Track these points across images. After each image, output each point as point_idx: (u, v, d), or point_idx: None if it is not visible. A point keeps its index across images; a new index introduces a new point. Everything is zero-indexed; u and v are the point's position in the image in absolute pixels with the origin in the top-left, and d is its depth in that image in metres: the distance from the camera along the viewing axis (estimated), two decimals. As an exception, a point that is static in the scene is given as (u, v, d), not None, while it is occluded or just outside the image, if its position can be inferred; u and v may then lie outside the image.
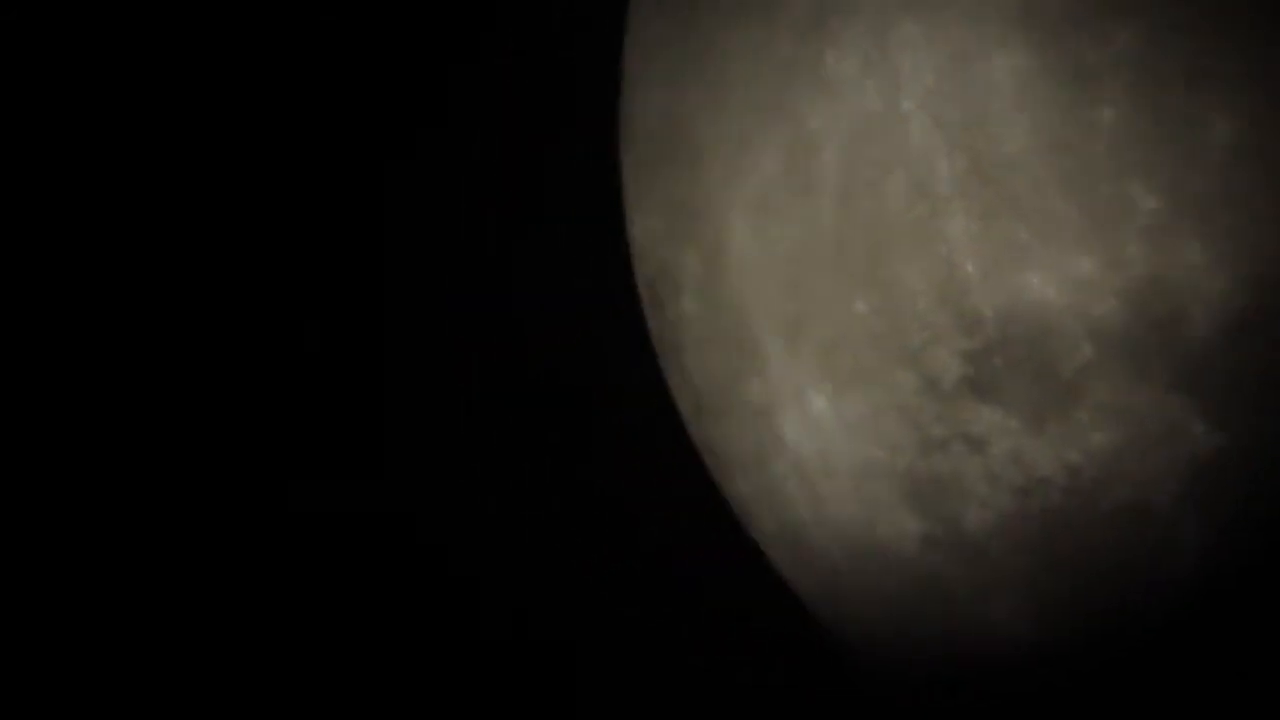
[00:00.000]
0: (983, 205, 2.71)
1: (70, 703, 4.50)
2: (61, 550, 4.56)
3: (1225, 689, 2.86)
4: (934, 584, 3.02)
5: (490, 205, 4.30)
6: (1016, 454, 2.79)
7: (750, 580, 3.48)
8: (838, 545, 3.15)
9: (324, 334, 4.44)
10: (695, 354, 3.34)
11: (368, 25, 4.24)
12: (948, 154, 2.75)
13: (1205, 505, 2.66)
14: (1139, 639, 2.84)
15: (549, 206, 4.22)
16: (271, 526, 4.57)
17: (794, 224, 2.97)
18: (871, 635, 3.28)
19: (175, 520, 4.57)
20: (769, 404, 3.14)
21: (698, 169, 3.18)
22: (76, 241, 4.40)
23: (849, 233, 2.89)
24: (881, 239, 2.84)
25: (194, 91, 4.32)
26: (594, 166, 3.67)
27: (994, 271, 2.73)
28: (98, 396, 4.49)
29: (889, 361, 2.89)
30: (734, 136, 3.07)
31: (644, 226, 3.45)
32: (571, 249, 4.08)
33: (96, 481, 4.54)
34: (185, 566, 4.60)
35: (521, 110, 4.28)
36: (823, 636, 3.44)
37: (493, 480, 4.37)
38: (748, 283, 3.11)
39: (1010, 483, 2.81)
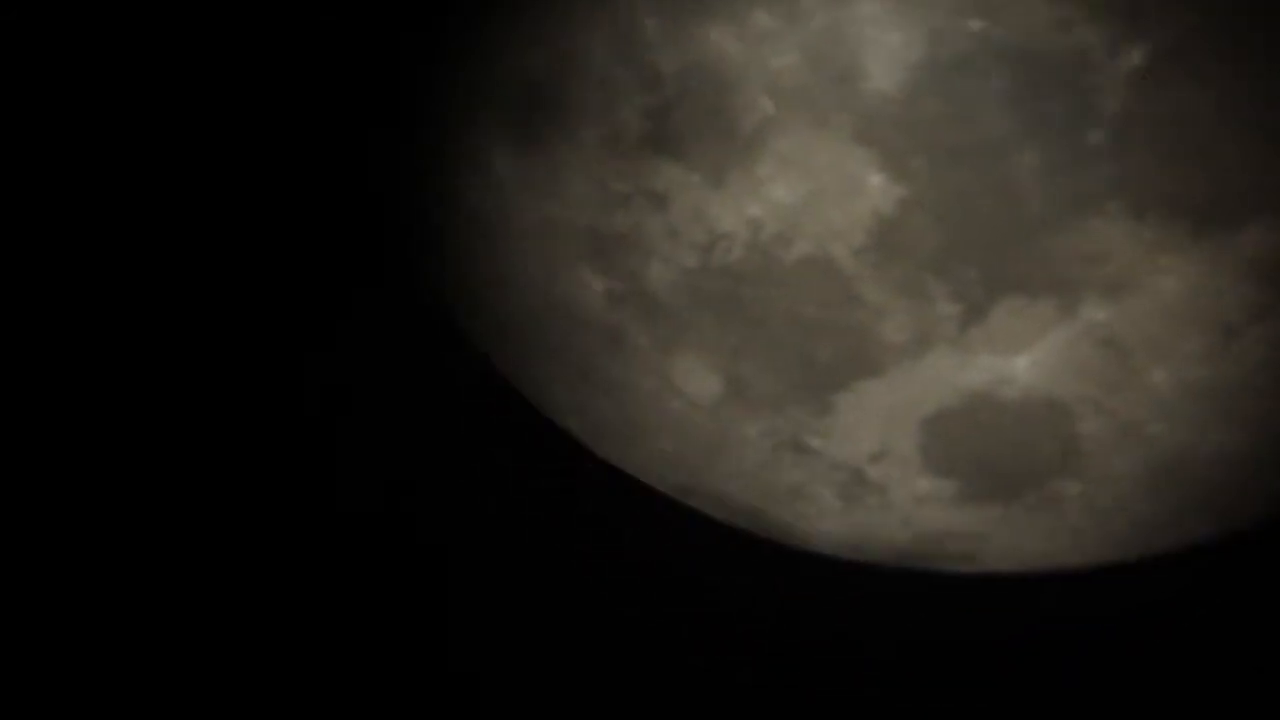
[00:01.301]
0: (659, -37, 2.70)
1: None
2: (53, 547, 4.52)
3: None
4: (616, 341, 3.13)
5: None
6: (698, 210, 2.87)
7: (431, 339, 3.53)
8: (519, 302, 3.22)
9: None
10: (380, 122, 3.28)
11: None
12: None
13: (885, 257, 2.80)
14: (824, 389, 3.02)
15: None
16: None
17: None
18: (552, 391, 3.40)
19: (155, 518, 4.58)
20: (445, 162, 3.12)
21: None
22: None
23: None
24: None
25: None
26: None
27: (673, 27, 2.73)
28: (77, 397, 4.37)
29: (569, 118, 2.89)
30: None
31: None
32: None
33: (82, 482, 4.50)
34: (170, 565, 4.65)
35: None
36: (504, 391, 3.53)
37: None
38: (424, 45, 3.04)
39: (692, 239, 2.90)
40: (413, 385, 4.15)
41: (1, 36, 3.90)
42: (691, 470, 3.48)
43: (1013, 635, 4.47)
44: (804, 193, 2.84)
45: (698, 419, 3.27)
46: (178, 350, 4.37)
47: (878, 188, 2.80)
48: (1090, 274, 2.79)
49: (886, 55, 2.68)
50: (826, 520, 3.45)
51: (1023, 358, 2.95)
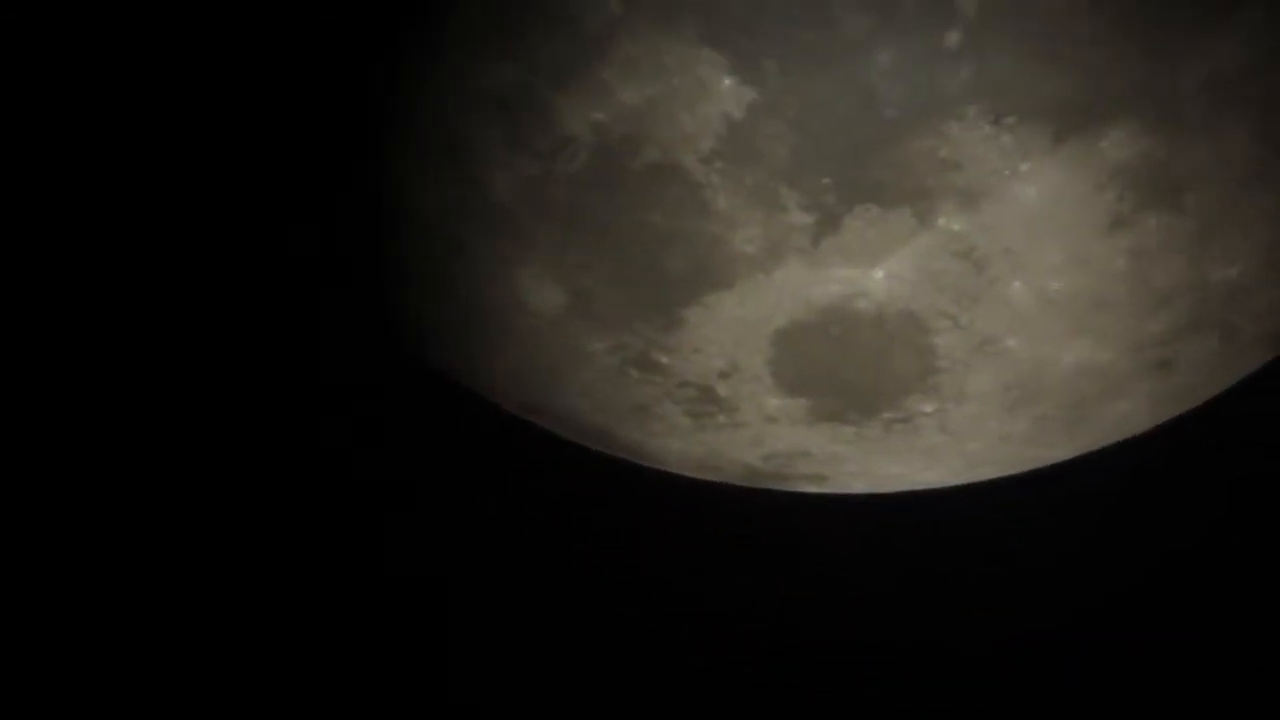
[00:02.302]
0: None
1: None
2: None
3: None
4: (458, 251, 3.03)
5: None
6: (542, 113, 2.76)
7: (279, 253, 3.42)
8: (364, 211, 3.10)
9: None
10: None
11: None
12: None
13: (736, 165, 2.74)
14: (672, 303, 2.96)
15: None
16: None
17: None
18: (396, 301, 3.30)
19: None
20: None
21: None
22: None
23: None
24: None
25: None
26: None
27: (510, -83, 2.63)
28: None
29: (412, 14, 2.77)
30: None
31: None
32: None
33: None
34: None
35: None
36: (345, 306, 3.42)
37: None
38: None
39: (535, 145, 2.79)
40: (247, 297, 4.04)
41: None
42: (537, 387, 3.41)
43: (863, 557, 4.51)
44: (651, 96, 2.76)
45: (543, 334, 3.19)
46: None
47: (728, 91, 2.72)
48: (947, 181, 2.74)
49: (737, -48, 2.62)
50: (675, 439, 3.40)
51: (878, 269, 2.91)
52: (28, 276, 4.12)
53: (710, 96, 2.74)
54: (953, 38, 2.59)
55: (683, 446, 3.43)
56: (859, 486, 3.57)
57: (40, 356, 4.26)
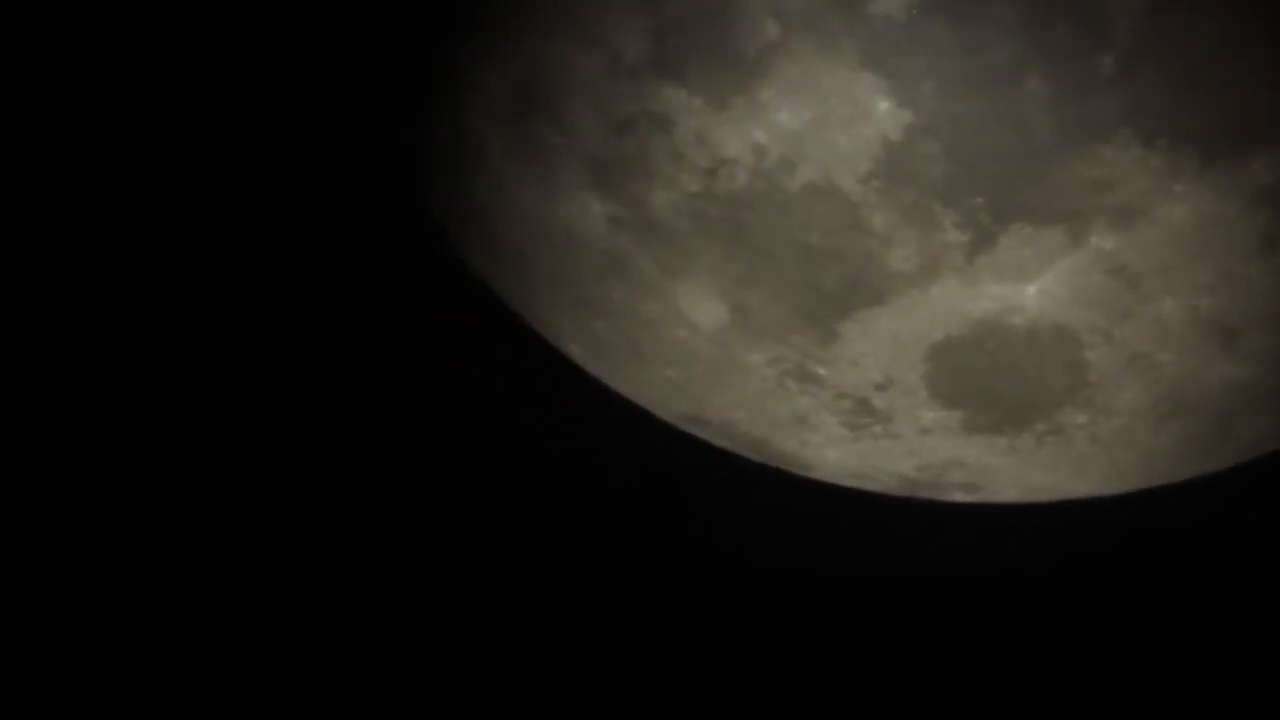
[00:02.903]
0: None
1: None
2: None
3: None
4: (619, 266, 3.16)
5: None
6: (702, 133, 2.89)
7: (429, 266, 3.56)
8: (521, 228, 3.25)
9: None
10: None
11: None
12: None
13: (892, 184, 2.83)
14: (829, 317, 3.06)
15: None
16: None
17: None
18: (557, 317, 3.44)
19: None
20: (448, 90, 3.14)
21: None
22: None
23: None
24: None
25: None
26: None
27: (676, -54, 2.75)
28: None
29: (569, 41, 2.90)
30: None
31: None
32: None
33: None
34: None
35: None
36: (508, 320, 3.56)
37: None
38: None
39: (696, 163, 2.92)
40: (411, 313, 4.19)
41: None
42: (696, 398, 3.52)
43: (1016, 566, 4.53)
44: (809, 118, 2.86)
45: (702, 346, 3.31)
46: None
47: (885, 113, 2.82)
48: (1099, 202, 2.82)
49: (894, -22, 2.72)
50: (831, 449, 3.49)
51: (1031, 286, 2.98)
52: (55, 229, 4.27)
53: (868, 118, 2.85)
54: (1106, 63, 2.68)
55: (839, 456, 3.52)
56: (1010, 496, 3.63)
57: (77, 315, 4.41)
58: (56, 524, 4.67)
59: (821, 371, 3.27)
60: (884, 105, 2.81)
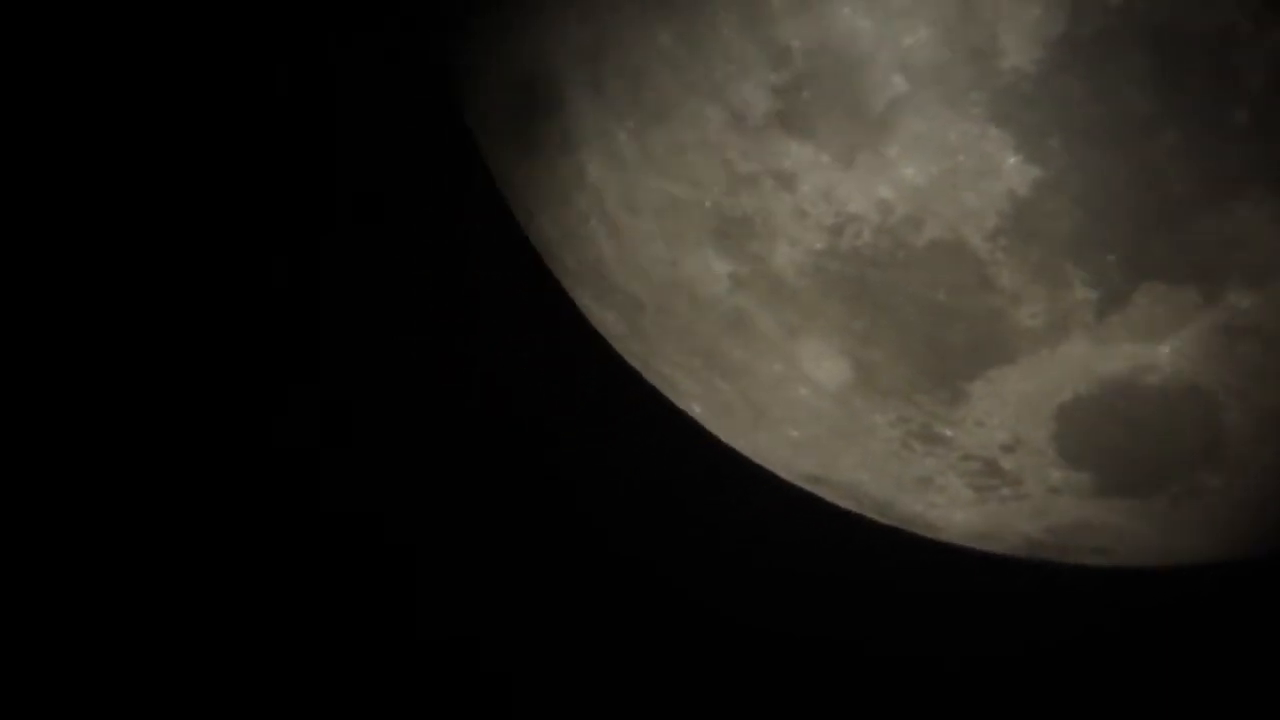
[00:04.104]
0: (790, -68, 2.73)
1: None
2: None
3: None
4: (741, 324, 3.17)
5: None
6: (827, 190, 2.91)
7: (555, 319, 3.60)
8: (642, 283, 3.28)
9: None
10: (491, 90, 3.35)
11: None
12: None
13: (1020, 241, 2.82)
14: (956, 376, 3.05)
15: None
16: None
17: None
18: (676, 376, 3.45)
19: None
20: (569, 139, 3.18)
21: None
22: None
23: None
24: (683, -36, 2.85)
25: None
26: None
27: (802, 1, 2.77)
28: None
29: (694, 94, 2.94)
30: None
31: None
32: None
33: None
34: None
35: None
36: (628, 377, 3.59)
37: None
38: (542, 13, 3.10)
39: (820, 220, 2.93)
40: (531, 368, 4.23)
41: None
42: (820, 459, 3.51)
43: (1148, 631, 4.45)
44: (936, 173, 2.86)
45: (825, 406, 3.31)
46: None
47: (1013, 168, 2.81)
48: (1234, 259, 2.78)
49: (1023, 31, 2.69)
50: (958, 510, 3.47)
51: (1164, 345, 2.95)
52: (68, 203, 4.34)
53: (995, 173, 2.84)
54: (1239, 116, 2.65)
55: (965, 518, 3.49)
56: (1144, 560, 3.57)
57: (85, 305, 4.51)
58: (56, 523, 4.75)
59: (947, 432, 3.24)
60: (1012, 160, 2.81)
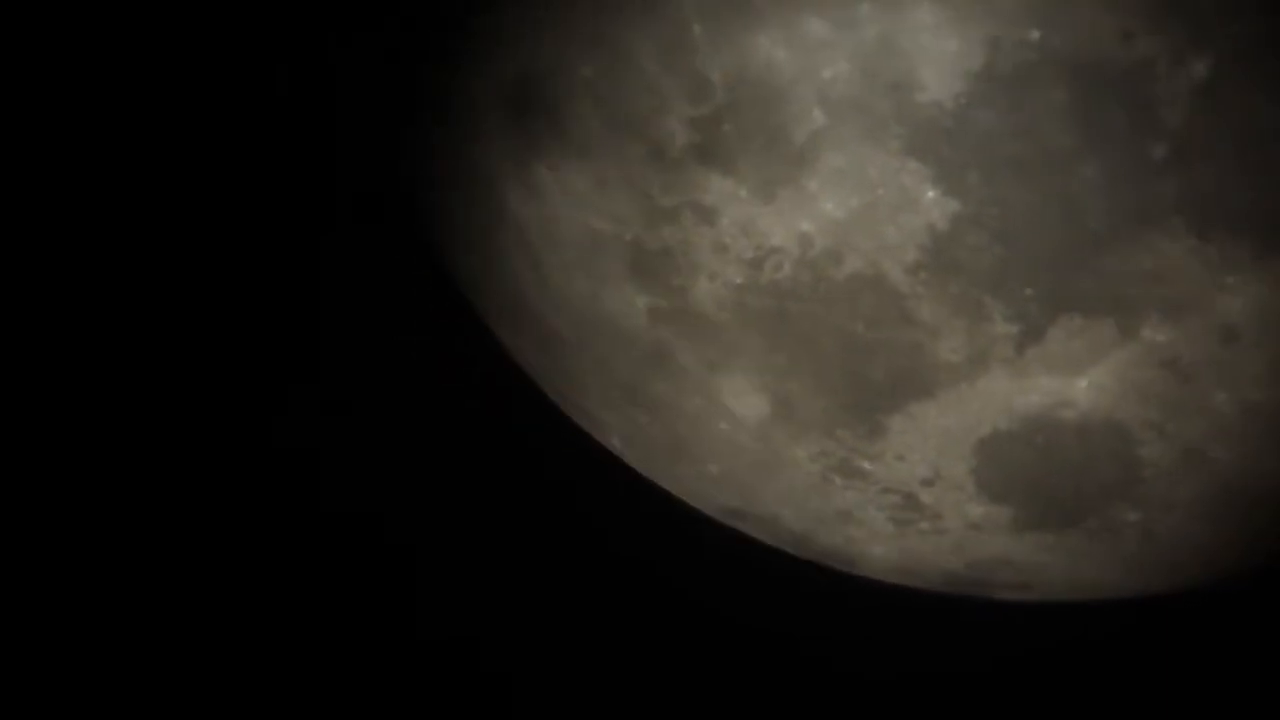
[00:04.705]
0: (706, -33, 2.72)
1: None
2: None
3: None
4: (661, 358, 3.15)
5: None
6: (746, 224, 2.89)
7: (470, 353, 3.58)
8: (563, 318, 3.25)
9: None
10: (416, 123, 3.31)
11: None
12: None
13: (940, 275, 2.81)
14: (875, 410, 3.04)
15: None
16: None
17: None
18: (597, 410, 3.43)
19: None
20: (491, 174, 3.16)
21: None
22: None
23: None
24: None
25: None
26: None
27: (722, 34, 2.76)
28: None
29: (615, 128, 2.91)
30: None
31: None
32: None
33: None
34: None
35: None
36: (547, 411, 3.57)
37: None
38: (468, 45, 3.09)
39: (740, 254, 2.92)
40: (450, 402, 4.20)
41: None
42: (740, 493, 3.49)
43: (1067, 665, 4.47)
44: (856, 207, 2.86)
45: (745, 440, 3.29)
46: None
47: (932, 202, 2.81)
48: (1152, 293, 2.78)
49: (942, 65, 2.69)
50: (877, 545, 3.45)
51: (1082, 379, 2.95)
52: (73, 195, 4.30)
53: (914, 207, 2.84)
54: (1158, 150, 2.66)
55: (884, 552, 3.48)
56: (1062, 595, 3.58)
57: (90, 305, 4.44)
58: (55, 523, 4.70)
59: (867, 466, 3.23)
60: (931, 194, 2.81)
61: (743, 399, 3.20)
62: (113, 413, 4.61)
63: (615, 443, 3.63)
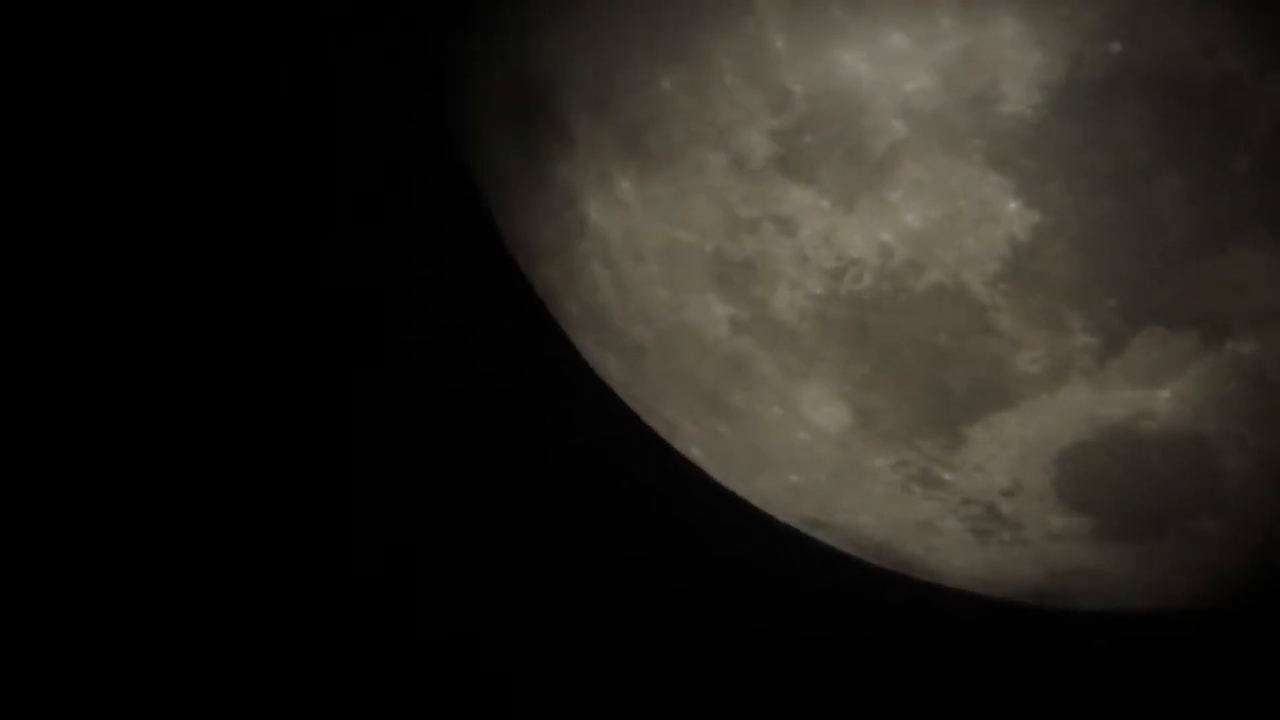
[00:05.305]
0: (792, -22, 2.73)
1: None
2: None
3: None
4: (742, 368, 3.17)
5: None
6: (827, 235, 2.90)
7: (555, 365, 3.60)
8: (643, 328, 3.27)
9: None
10: (493, 135, 3.35)
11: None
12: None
13: (1021, 286, 2.81)
14: (956, 421, 3.04)
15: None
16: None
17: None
18: (678, 419, 3.45)
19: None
20: (573, 185, 3.19)
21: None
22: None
23: (657, 3, 2.89)
24: (689, 11, 2.84)
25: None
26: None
27: (804, 47, 2.77)
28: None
29: (696, 140, 2.94)
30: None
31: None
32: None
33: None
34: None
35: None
36: (628, 419, 3.59)
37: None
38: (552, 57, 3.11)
39: (821, 264, 2.93)
40: (531, 412, 4.23)
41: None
42: (819, 503, 3.51)
43: (1151, 675, 4.43)
44: (936, 218, 2.86)
45: (825, 450, 3.30)
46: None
47: (1013, 214, 2.81)
48: (1235, 304, 2.78)
49: (1024, 77, 2.70)
50: (957, 555, 3.46)
51: (1164, 391, 2.94)
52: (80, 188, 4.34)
53: (995, 219, 2.84)
54: (1241, 162, 2.65)
55: (965, 563, 3.48)
56: (1142, 605, 3.56)
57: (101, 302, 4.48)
58: (55, 523, 4.73)
59: (947, 476, 3.24)
60: (1012, 205, 2.81)
61: (823, 409, 3.21)
62: (112, 413, 4.64)
63: (695, 453, 3.65)
